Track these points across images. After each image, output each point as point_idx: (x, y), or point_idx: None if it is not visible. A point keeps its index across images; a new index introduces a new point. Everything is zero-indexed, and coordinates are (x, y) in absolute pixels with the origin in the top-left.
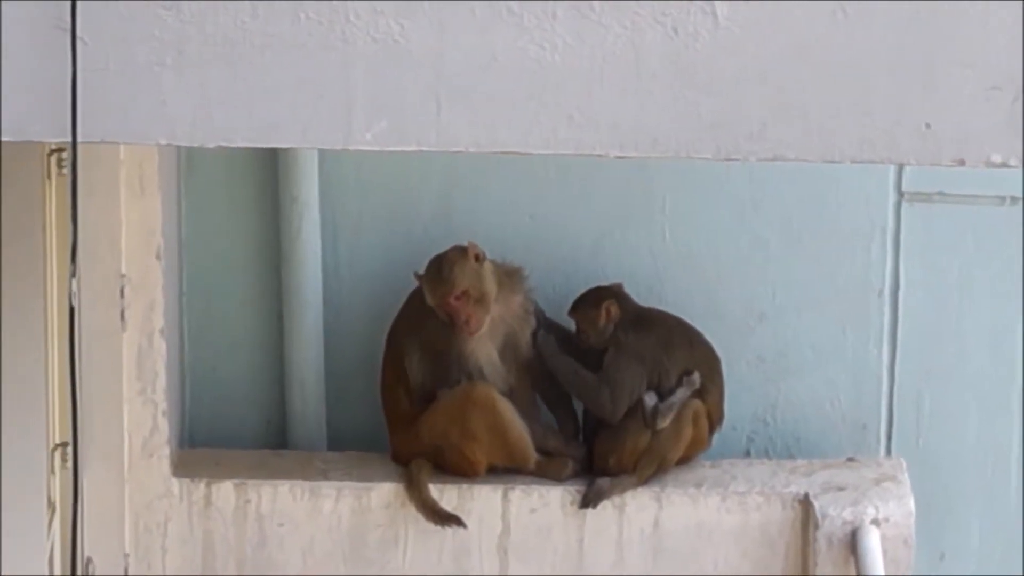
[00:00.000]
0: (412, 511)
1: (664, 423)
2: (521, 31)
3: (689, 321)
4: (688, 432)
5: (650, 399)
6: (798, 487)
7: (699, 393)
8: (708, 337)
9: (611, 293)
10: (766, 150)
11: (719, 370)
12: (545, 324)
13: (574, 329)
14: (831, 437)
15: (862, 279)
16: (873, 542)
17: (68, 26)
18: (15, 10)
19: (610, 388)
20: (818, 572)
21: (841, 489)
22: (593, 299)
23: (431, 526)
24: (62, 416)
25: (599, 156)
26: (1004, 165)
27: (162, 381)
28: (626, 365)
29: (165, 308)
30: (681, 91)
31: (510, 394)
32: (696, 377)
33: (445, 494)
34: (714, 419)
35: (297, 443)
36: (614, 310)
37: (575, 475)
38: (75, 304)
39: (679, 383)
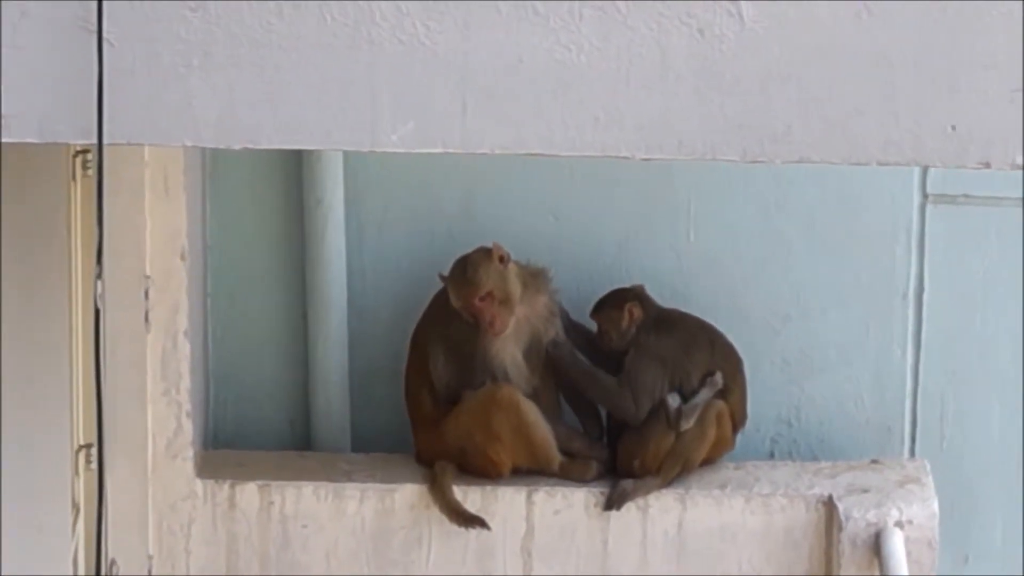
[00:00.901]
0: (436, 512)
1: (688, 424)
2: (547, 32)
3: (712, 322)
4: (712, 433)
5: (673, 400)
6: (822, 489)
7: (722, 394)
8: (732, 338)
9: (633, 295)
10: (791, 152)
11: (741, 370)
12: (568, 325)
13: (596, 331)
14: (855, 439)
15: (886, 281)
16: (897, 544)
17: (94, 27)
18: (41, 10)
19: (632, 390)
20: (842, 574)
21: (865, 491)
22: (615, 301)
23: (455, 527)
24: (87, 417)
25: (624, 158)
26: None
27: (186, 382)
28: (647, 367)
29: (189, 309)
30: (706, 93)
31: (534, 395)
32: (718, 378)
33: (469, 495)
34: (737, 419)
35: (321, 444)
36: (636, 312)
37: (599, 477)
38: (100, 305)
39: (702, 384)
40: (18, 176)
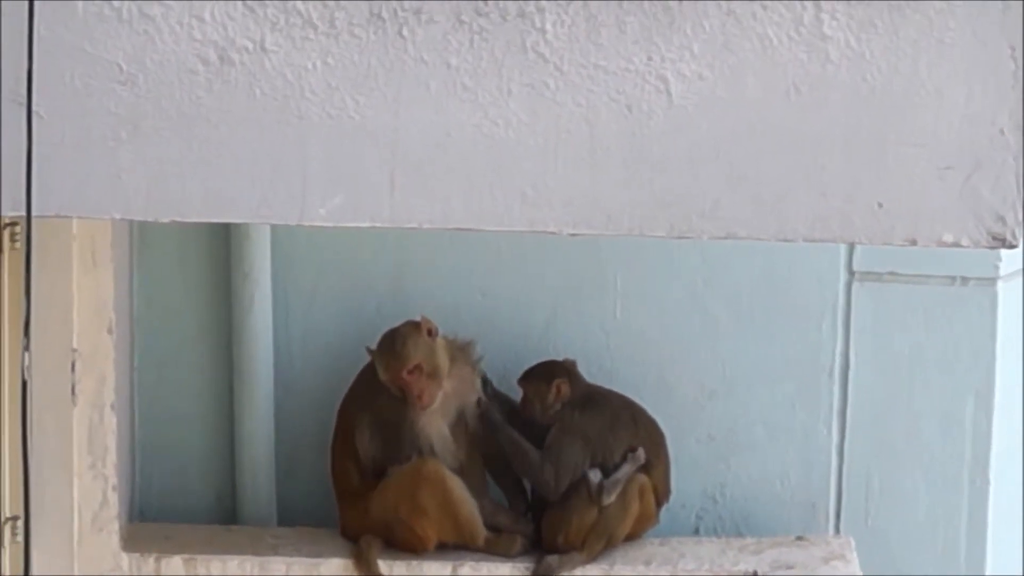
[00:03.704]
0: None
1: (610, 499)
2: (475, 107)
3: (638, 398)
4: (635, 507)
5: (595, 476)
6: (747, 565)
7: (644, 469)
8: (658, 414)
9: (564, 370)
10: (719, 228)
11: (664, 445)
12: (491, 393)
13: (520, 398)
14: (780, 515)
15: (813, 358)
16: None
17: (24, 100)
18: None
19: (553, 466)
20: None
21: (790, 568)
22: (546, 374)
23: None
24: (13, 489)
25: (552, 233)
26: (956, 245)
27: (112, 455)
28: (570, 444)
29: (116, 382)
30: (635, 168)
31: (460, 470)
32: (640, 453)
33: (395, 570)
34: (660, 493)
35: (247, 518)
36: (564, 389)
37: (524, 551)
38: (27, 378)
39: (624, 460)
40: None
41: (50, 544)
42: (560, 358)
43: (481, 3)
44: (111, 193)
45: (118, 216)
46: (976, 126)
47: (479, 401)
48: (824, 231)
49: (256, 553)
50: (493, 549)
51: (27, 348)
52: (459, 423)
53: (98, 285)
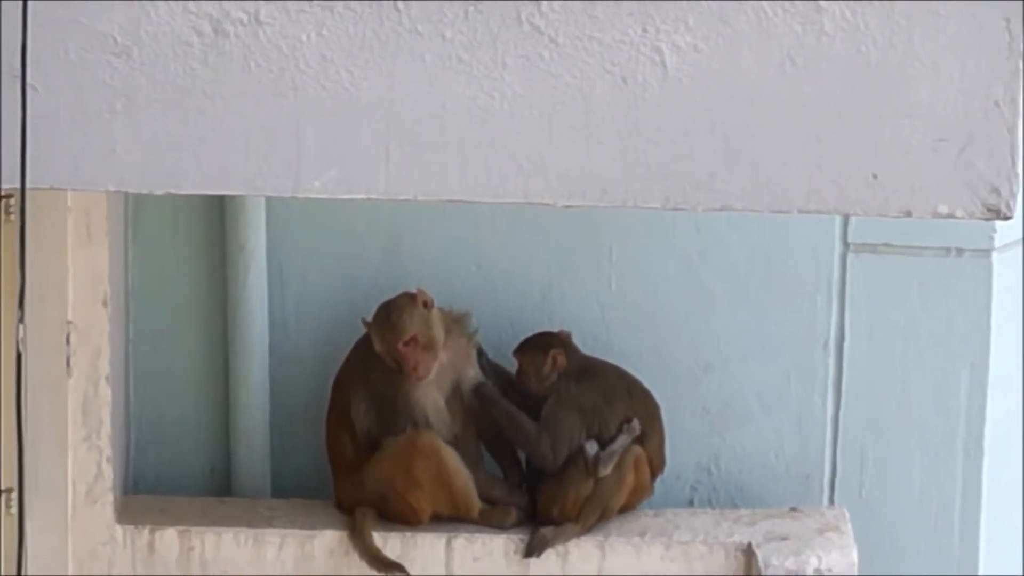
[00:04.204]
0: (356, 559)
1: (606, 470)
2: (470, 80)
3: (633, 370)
4: (630, 479)
5: (591, 447)
6: (741, 536)
7: (639, 440)
8: (653, 386)
9: (560, 342)
10: (714, 200)
11: (659, 417)
12: (487, 365)
13: (516, 369)
14: (775, 487)
15: (808, 330)
16: None
17: (18, 73)
18: None
19: (550, 438)
20: None
21: (784, 539)
22: (541, 345)
23: (375, 574)
24: (7, 462)
25: (547, 205)
26: (950, 216)
27: (107, 428)
28: (566, 415)
29: (111, 355)
30: (630, 141)
31: (455, 442)
32: (636, 424)
33: (389, 542)
34: (655, 465)
35: (241, 490)
36: (560, 360)
37: (519, 523)
38: (22, 350)
39: (619, 431)
40: None
41: (44, 516)
42: (555, 330)
43: None
44: (106, 165)
45: (113, 188)
46: (971, 98)
47: (475, 376)
48: (819, 203)
49: (250, 525)
50: (488, 521)
51: (22, 320)
52: (454, 395)
53: (93, 257)
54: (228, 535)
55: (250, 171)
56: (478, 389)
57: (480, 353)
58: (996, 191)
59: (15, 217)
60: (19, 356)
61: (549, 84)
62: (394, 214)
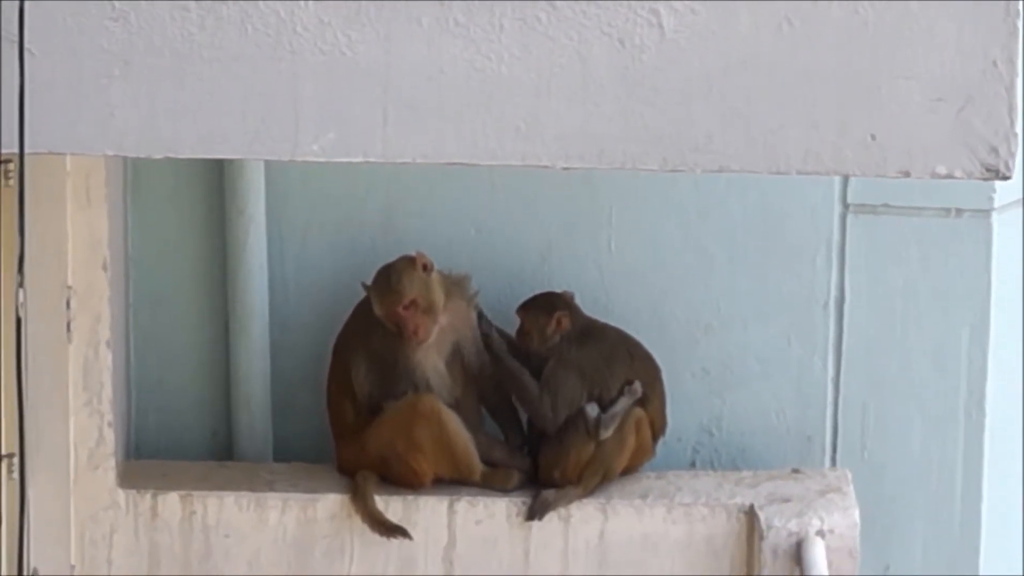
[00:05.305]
0: (358, 522)
1: (607, 433)
2: (468, 43)
3: (633, 332)
4: (631, 441)
5: (592, 410)
6: (743, 498)
7: (641, 402)
8: (653, 348)
9: (564, 304)
10: (711, 161)
11: (660, 379)
12: (487, 326)
13: (517, 328)
14: (776, 449)
15: (807, 291)
16: (818, 553)
17: (15, 37)
18: None
19: (551, 398)
20: None
21: (786, 500)
22: (546, 306)
23: (377, 537)
24: (8, 427)
25: (546, 168)
26: (949, 176)
27: (108, 392)
28: (567, 377)
29: (111, 320)
30: (627, 103)
31: (456, 405)
32: (637, 386)
33: (391, 505)
34: (657, 427)
35: (243, 454)
36: (565, 322)
37: (521, 486)
38: (22, 315)
39: (620, 394)
40: None
41: (46, 481)
42: (560, 291)
43: None
44: (103, 130)
45: (111, 153)
46: (969, 58)
47: (485, 335)
48: (816, 164)
49: (252, 489)
50: (490, 484)
51: (21, 285)
52: (455, 358)
53: (92, 222)
54: (230, 499)
55: (248, 135)
56: (486, 340)
57: (480, 315)
58: (995, 151)
59: (14, 182)
60: (19, 321)
61: (546, 47)
62: (393, 177)
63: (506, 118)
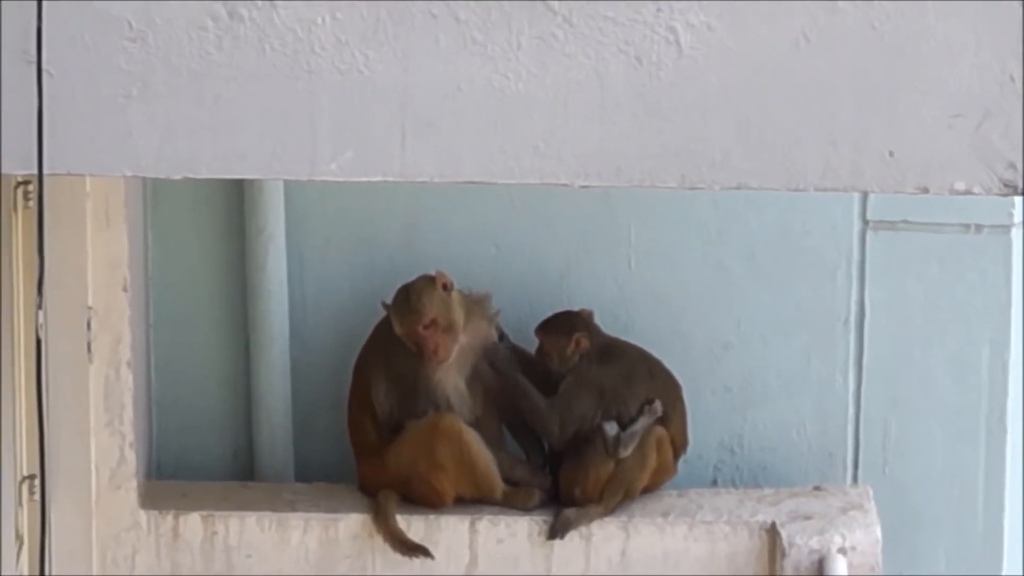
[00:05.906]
0: (380, 542)
1: (626, 451)
2: (486, 61)
3: (653, 350)
4: (652, 459)
5: (611, 428)
6: (765, 516)
7: (661, 421)
8: (674, 366)
9: (583, 323)
10: (730, 178)
11: (680, 397)
12: (508, 345)
13: (537, 347)
14: (798, 466)
15: (828, 308)
16: (840, 570)
17: (34, 58)
18: None
19: (560, 414)
20: None
21: (808, 518)
22: (565, 327)
23: (399, 557)
24: (30, 448)
25: (564, 186)
26: (967, 192)
27: (129, 413)
28: (582, 396)
29: (132, 340)
30: (645, 120)
31: (476, 424)
32: (657, 405)
33: (412, 525)
34: (678, 445)
35: (264, 474)
36: (584, 343)
37: (542, 505)
38: (42, 336)
39: (640, 412)
40: None
41: (68, 502)
42: (579, 309)
43: None
44: (122, 151)
45: (129, 173)
46: (986, 73)
47: (492, 347)
48: (835, 180)
49: (274, 509)
50: (511, 503)
51: (41, 306)
52: (475, 377)
53: (112, 243)
54: (252, 519)
55: (266, 154)
56: (492, 353)
57: (501, 335)
58: (1013, 166)
59: (33, 203)
60: (39, 342)
61: (564, 64)
62: (412, 196)
63: (524, 136)
